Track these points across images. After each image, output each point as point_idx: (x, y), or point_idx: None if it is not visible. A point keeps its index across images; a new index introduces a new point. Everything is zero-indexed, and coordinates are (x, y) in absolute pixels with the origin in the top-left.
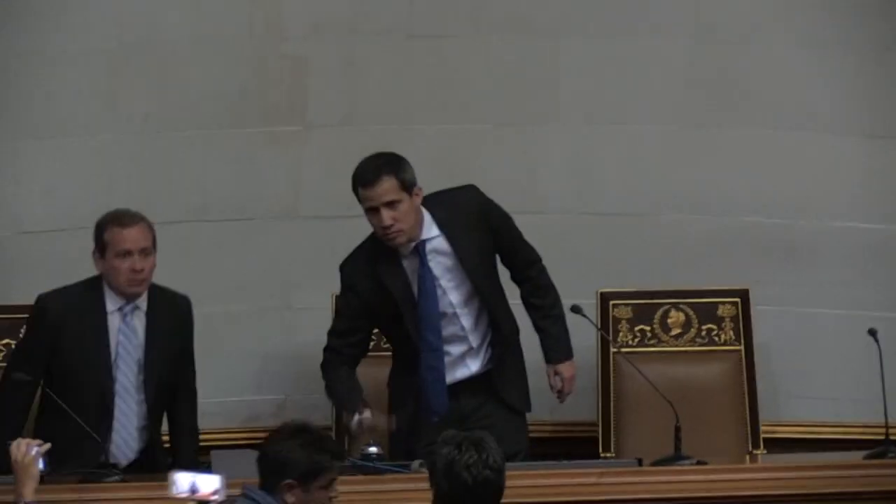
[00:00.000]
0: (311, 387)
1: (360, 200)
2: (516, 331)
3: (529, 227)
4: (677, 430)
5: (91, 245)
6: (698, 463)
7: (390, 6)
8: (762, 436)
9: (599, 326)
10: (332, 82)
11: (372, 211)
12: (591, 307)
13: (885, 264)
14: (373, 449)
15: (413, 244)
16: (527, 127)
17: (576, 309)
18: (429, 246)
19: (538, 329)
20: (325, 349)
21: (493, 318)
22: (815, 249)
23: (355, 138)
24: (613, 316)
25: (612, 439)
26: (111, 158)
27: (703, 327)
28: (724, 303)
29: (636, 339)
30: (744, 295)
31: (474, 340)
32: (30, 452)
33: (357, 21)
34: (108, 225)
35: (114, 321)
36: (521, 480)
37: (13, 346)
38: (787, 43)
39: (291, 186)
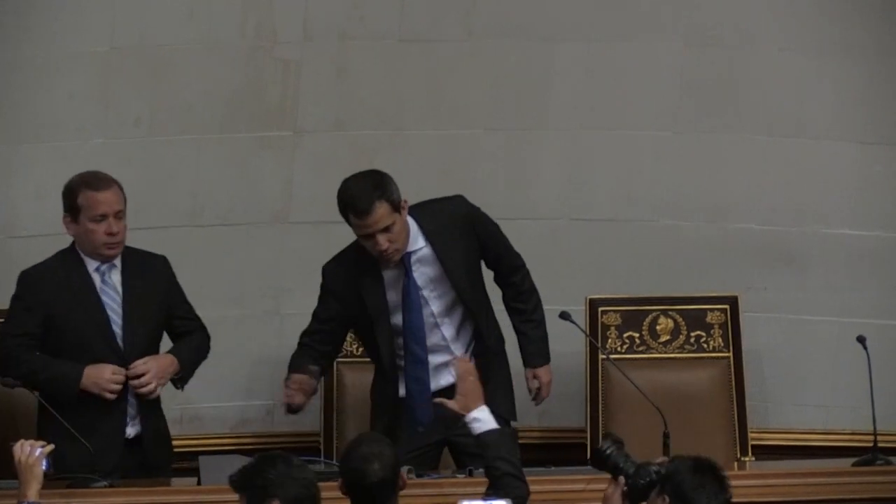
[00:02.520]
0: None
1: (351, 225)
2: (502, 340)
3: (519, 233)
4: (666, 436)
5: None
6: None
7: (382, 11)
8: (751, 443)
9: (588, 333)
10: (324, 87)
11: (367, 237)
12: (579, 313)
13: (876, 271)
14: None
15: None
16: (518, 132)
17: (564, 315)
18: (414, 257)
19: (519, 332)
20: (299, 342)
21: (477, 328)
22: (807, 256)
23: (347, 143)
24: (602, 322)
25: None
26: (103, 163)
27: (692, 334)
28: (712, 310)
29: (625, 346)
30: (733, 302)
31: (457, 349)
32: (34, 453)
33: (349, 26)
34: (81, 188)
35: (95, 280)
36: None
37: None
38: (781, 49)
39: (283, 191)
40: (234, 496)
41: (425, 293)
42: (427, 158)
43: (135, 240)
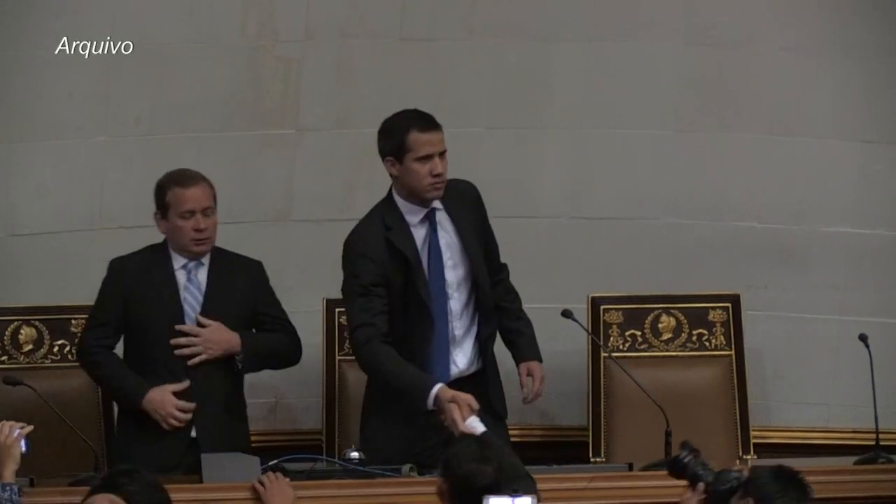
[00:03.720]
0: (302, 390)
1: (404, 149)
2: (495, 334)
3: (521, 231)
4: (667, 434)
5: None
6: None
7: (382, 10)
8: (752, 441)
9: (590, 331)
10: (325, 86)
11: (425, 159)
12: (581, 312)
13: (877, 270)
14: (354, 454)
15: (425, 211)
16: (519, 131)
17: (566, 313)
18: (438, 216)
19: (509, 330)
20: (358, 327)
21: (480, 309)
22: (808, 254)
23: (348, 142)
24: (604, 320)
25: (603, 444)
26: (104, 161)
27: (694, 332)
28: (714, 308)
29: (627, 344)
30: (734, 300)
31: (458, 328)
32: (12, 434)
33: (349, 24)
34: (170, 185)
35: (180, 277)
36: None
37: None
38: (781, 47)
39: (284, 189)
40: (236, 494)
41: (443, 258)
42: None
43: (135, 238)
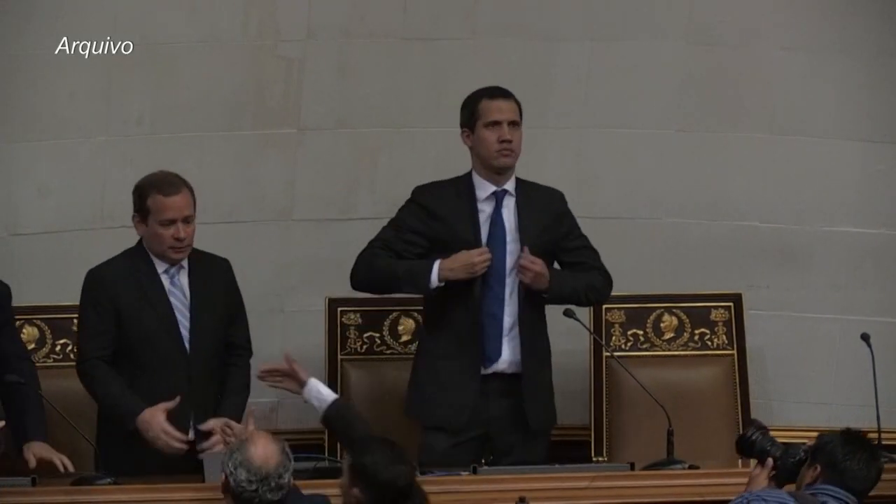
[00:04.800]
0: None
1: (475, 116)
2: (540, 338)
3: None
4: (669, 434)
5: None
6: (690, 467)
7: (384, 9)
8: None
9: (592, 330)
10: (327, 85)
11: (493, 125)
12: (584, 311)
13: (879, 269)
14: None
15: (494, 189)
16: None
17: (568, 313)
18: (506, 199)
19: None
20: (372, 243)
21: (525, 306)
22: (810, 254)
23: (350, 141)
24: (606, 320)
25: (605, 443)
26: (106, 160)
27: (696, 332)
28: (716, 307)
29: (629, 344)
30: (736, 299)
31: (505, 315)
32: None
33: (351, 24)
34: (151, 191)
35: (165, 282)
36: (514, 484)
37: (79, 325)
38: (783, 47)
39: (286, 189)
40: None
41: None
42: (430, 156)
43: (135, 238)
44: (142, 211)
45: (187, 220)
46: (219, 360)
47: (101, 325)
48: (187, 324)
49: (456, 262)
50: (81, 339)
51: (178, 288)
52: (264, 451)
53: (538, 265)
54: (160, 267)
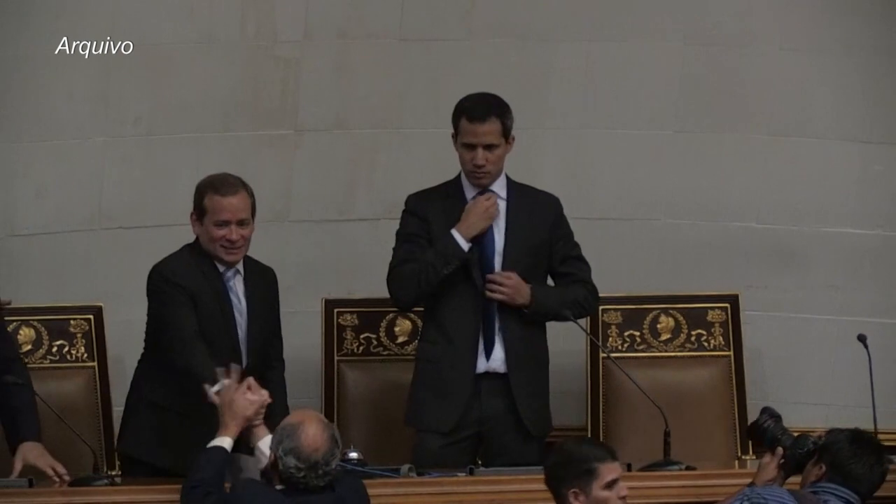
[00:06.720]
0: (302, 390)
1: (457, 131)
2: (546, 355)
3: None
4: (666, 435)
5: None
6: (687, 468)
7: (382, 10)
8: (751, 441)
9: (589, 331)
10: (324, 86)
11: (469, 147)
12: None
13: (876, 270)
14: (353, 455)
15: (479, 191)
16: (519, 131)
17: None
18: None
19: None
20: (393, 267)
21: (505, 307)
22: (807, 255)
23: (347, 142)
24: (603, 321)
25: None
26: (103, 161)
27: (693, 333)
28: (713, 308)
29: (626, 345)
30: (733, 300)
31: (498, 313)
32: None
33: (349, 25)
34: (209, 191)
35: (227, 283)
36: (510, 485)
37: (160, 325)
38: (781, 48)
39: (283, 189)
40: None
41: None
42: (427, 157)
43: (135, 239)
44: (199, 209)
45: (242, 223)
46: (263, 368)
47: (190, 317)
48: (244, 325)
49: (469, 218)
50: (178, 349)
51: (233, 293)
52: (314, 439)
53: (512, 279)
54: (220, 268)
